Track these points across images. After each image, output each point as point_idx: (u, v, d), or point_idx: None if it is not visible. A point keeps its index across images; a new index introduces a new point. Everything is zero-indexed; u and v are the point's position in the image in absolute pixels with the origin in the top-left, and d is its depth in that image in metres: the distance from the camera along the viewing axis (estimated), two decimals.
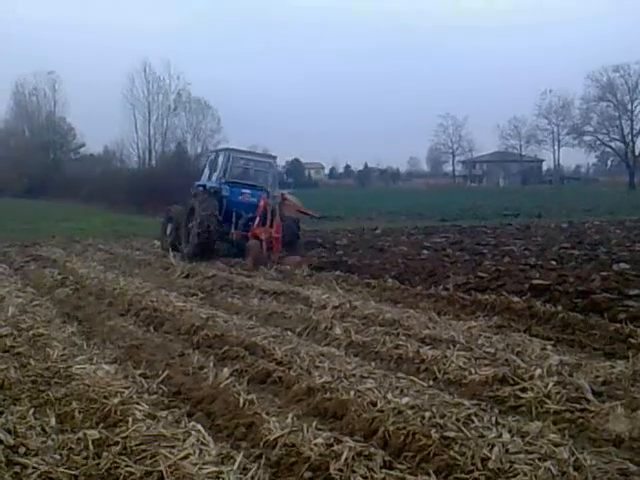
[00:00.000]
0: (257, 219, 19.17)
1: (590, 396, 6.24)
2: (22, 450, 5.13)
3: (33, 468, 4.84)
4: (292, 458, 5.04)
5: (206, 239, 19.77)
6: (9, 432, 5.37)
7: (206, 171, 22.53)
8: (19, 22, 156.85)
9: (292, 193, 21.06)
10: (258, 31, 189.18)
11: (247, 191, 20.66)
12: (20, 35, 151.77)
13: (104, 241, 27.05)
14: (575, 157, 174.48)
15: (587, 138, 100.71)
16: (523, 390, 6.53)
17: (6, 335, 9.27)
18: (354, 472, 4.67)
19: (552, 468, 4.64)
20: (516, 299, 10.86)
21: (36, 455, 5.06)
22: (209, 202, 20.07)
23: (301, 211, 19.88)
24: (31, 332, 9.41)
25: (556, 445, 5.03)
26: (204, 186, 21.38)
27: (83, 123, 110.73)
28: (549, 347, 8.12)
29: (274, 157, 23.30)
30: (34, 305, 11.73)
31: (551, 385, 6.47)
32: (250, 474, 4.71)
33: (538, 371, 6.92)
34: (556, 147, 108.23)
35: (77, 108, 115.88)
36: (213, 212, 19.86)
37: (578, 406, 6.07)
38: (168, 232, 22.84)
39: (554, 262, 15.40)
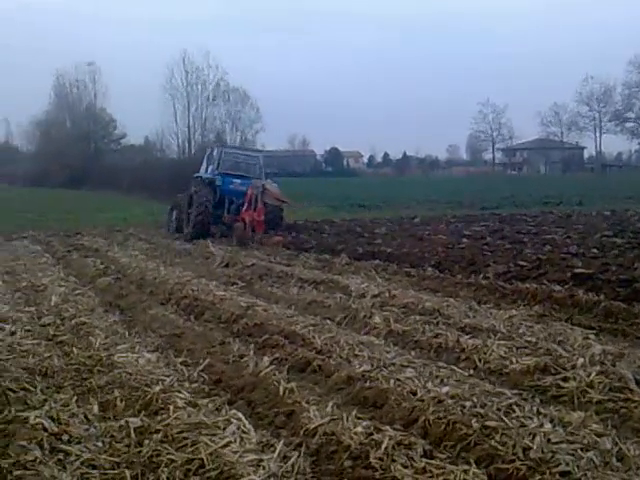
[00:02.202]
0: (245, 205, 21.92)
1: (633, 386, 6.14)
2: (65, 437, 5.21)
3: (76, 455, 4.91)
4: (332, 447, 5.04)
5: (202, 222, 22.98)
6: (53, 420, 5.45)
7: (204, 164, 25.76)
8: (59, 16, 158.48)
9: (275, 182, 24.04)
10: (297, 22, 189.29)
11: (237, 181, 23.66)
12: (61, 29, 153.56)
13: (145, 231, 27.32)
14: (617, 144, 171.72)
15: (629, 124, 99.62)
16: (565, 380, 6.45)
17: (49, 324, 9.45)
18: (394, 461, 4.66)
19: (595, 458, 4.60)
20: (557, 288, 10.74)
21: (79, 443, 5.14)
22: (205, 191, 23.28)
23: (279, 199, 22.76)
24: (74, 321, 9.56)
25: (599, 435, 4.97)
26: (201, 177, 24.63)
27: (124, 114, 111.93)
28: (591, 336, 8.00)
29: (260, 151, 27.44)
30: (76, 294, 11.90)
31: (593, 374, 6.39)
32: (290, 462, 4.73)
33: (580, 360, 6.83)
34: (598, 134, 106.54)
35: (118, 100, 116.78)
36: (208, 199, 23.06)
37: (621, 396, 5.98)
38: (173, 218, 26.01)
39: (596, 250, 15.20)
